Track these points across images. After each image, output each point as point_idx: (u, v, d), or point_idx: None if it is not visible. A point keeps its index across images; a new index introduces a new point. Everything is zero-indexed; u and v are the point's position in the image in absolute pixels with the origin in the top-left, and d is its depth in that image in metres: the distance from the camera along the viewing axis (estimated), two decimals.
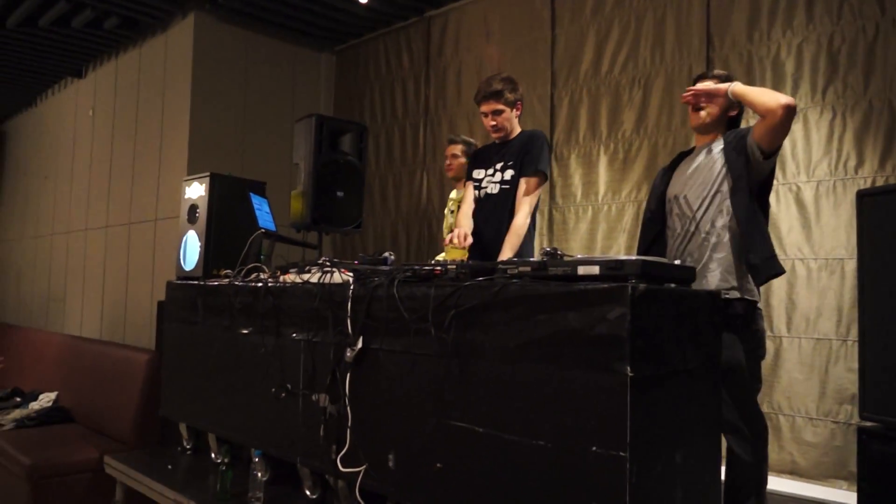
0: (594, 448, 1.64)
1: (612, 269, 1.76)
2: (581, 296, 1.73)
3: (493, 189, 3.22)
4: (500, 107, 3.15)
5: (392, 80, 5.52)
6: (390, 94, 5.51)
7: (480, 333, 1.94)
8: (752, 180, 2.48)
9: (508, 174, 3.19)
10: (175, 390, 3.54)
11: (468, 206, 3.25)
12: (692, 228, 2.58)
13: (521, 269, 1.96)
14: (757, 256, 2.42)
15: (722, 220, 2.52)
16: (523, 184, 3.12)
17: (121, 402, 4.67)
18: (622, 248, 4.15)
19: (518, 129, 3.26)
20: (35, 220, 7.48)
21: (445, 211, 4.30)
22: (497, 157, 3.26)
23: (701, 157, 2.64)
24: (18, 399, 5.62)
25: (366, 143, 3.81)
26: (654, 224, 2.76)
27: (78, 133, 6.62)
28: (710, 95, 2.58)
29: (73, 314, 6.44)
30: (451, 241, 2.82)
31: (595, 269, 1.80)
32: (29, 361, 6.30)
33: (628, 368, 1.61)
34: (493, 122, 3.18)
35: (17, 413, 5.11)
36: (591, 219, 4.34)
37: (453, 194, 4.21)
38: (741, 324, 2.42)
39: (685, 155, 2.78)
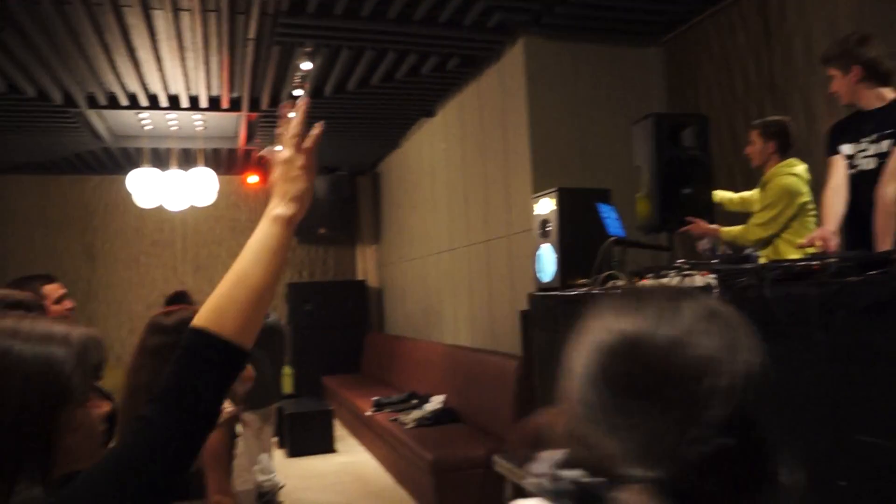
0: None
1: None
2: None
3: (869, 164, 2.82)
4: (832, 72, 2.92)
5: (728, 63, 5.17)
6: (727, 77, 5.17)
7: (880, 335, 1.72)
8: None
9: (886, 144, 2.77)
10: (548, 395, 3.77)
11: (837, 182, 2.90)
12: None
13: None
14: None
15: None
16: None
17: (498, 405, 5.14)
18: None
19: (891, 94, 2.83)
20: (410, 244, 8.64)
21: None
22: (870, 125, 2.85)
23: None
24: (415, 401, 6.53)
25: (708, 135, 3.64)
26: None
27: (434, 166, 7.48)
28: None
29: (448, 325, 7.26)
30: (812, 243, 2.54)
31: None
32: (418, 368, 7.29)
33: None
34: (832, 90, 2.95)
35: (416, 413, 5.94)
36: None
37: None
38: None
39: None
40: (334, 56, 5.61)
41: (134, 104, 6.56)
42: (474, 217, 6.44)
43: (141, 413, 0.89)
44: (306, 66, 5.49)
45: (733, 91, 5.12)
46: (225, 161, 9.24)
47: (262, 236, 1.03)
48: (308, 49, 5.28)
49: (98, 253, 9.75)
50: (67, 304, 2.67)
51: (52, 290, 2.63)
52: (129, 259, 9.85)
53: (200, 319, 0.94)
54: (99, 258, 9.74)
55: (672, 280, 2.62)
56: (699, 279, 2.48)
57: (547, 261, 3.79)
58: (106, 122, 7.18)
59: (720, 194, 3.91)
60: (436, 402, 6.16)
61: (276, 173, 1.11)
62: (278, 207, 1.07)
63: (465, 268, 6.69)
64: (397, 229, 9.32)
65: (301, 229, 10.21)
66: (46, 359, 0.94)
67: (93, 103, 6.45)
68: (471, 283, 6.57)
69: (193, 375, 0.90)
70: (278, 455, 6.65)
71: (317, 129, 1.14)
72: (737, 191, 4.04)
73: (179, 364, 0.91)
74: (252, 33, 5.10)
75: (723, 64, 5.20)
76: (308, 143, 1.12)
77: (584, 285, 3.35)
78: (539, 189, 4.68)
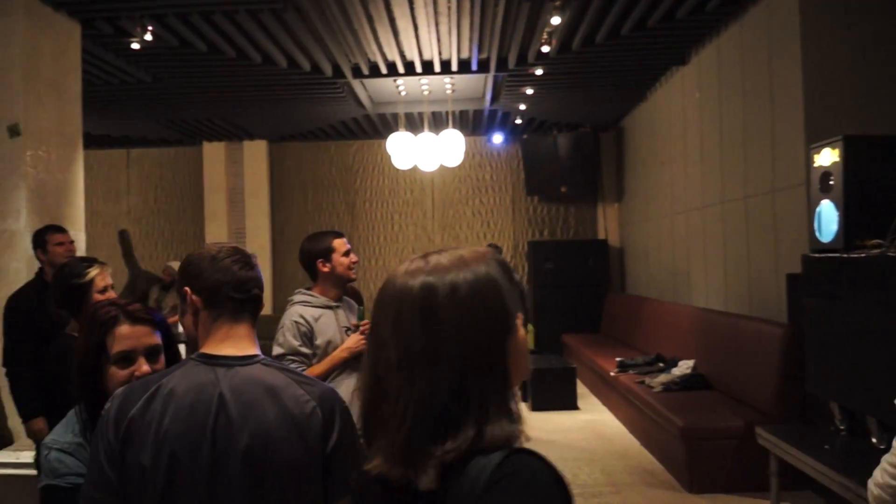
0: None
1: None
2: None
3: None
4: None
5: None
6: None
7: None
8: None
9: None
10: (823, 367, 3.42)
11: None
12: None
13: None
14: None
15: None
16: None
17: (758, 375, 4.78)
18: None
19: None
20: (655, 202, 8.28)
21: None
22: None
23: None
24: (661, 364, 6.32)
25: None
26: None
27: (686, 117, 7.03)
28: None
29: (697, 287, 6.88)
30: None
31: None
32: (664, 330, 7.02)
33: None
34: None
35: (662, 377, 5.75)
36: None
37: None
38: None
39: None
40: (584, 7, 5.46)
41: (392, 72, 7.00)
42: (731, 172, 5.97)
43: None
44: (555, 20, 5.42)
45: None
46: (470, 122, 9.55)
47: None
48: (557, 2, 5.20)
49: (359, 211, 10.69)
50: (353, 257, 2.97)
51: (341, 244, 2.94)
52: (385, 217, 10.67)
53: None
54: (359, 216, 10.69)
55: None
56: None
57: (827, 219, 3.39)
58: (367, 90, 7.77)
59: None
60: (684, 366, 5.90)
61: None
62: None
63: (720, 226, 6.25)
64: (642, 187, 8.98)
65: (542, 188, 10.33)
66: (494, 287, 0.96)
67: (357, 73, 7.00)
68: (725, 243, 6.13)
69: None
70: (522, 408, 6.85)
71: None
72: None
73: None
74: None
75: None
76: None
77: (876, 246, 2.95)
78: (813, 139, 4.19)
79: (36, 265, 3.84)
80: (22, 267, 4.49)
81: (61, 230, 3.85)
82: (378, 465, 0.93)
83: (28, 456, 4.23)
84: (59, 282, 2.70)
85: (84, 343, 1.73)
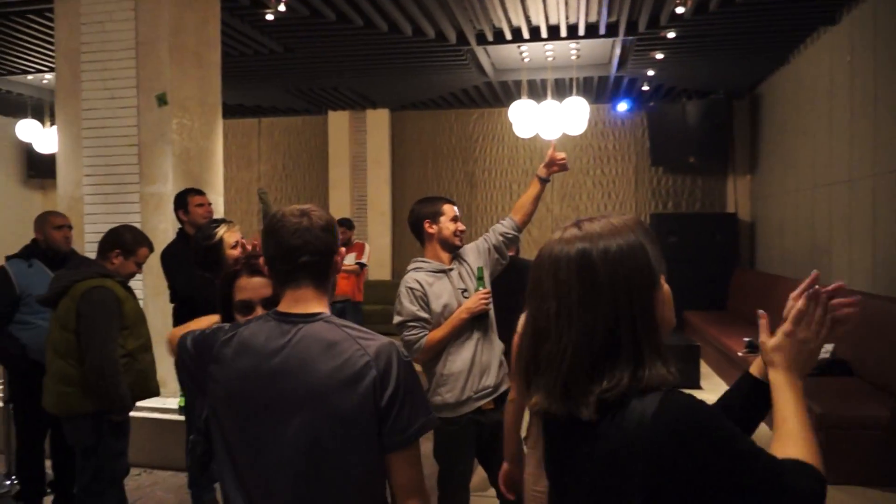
0: None
1: None
2: None
3: None
4: None
5: None
6: None
7: None
8: None
9: None
10: None
11: None
12: None
13: None
14: None
15: None
16: None
17: None
18: None
19: None
20: (794, 174, 7.73)
21: None
22: None
23: None
24: None
25: None
26: None
27: (834, 82, 6.48)
28: None
29: (839, 266, 6.40)
30: None
31: None
32: None
33: None
34: None
35: None
36: None
37: None
38: None
39: None
40: None
41: (517, 38, 6.88)
42: (885, 142, 5.46)
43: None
44: None
45: None
46: (595, 89, 9.27)
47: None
48: None
49: (477, 181, 10.70)
50: (461, 225, 2.94)
51: (450, 209, 2.93)
52: (504, 187, 10.62)
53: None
54: (478, 185, 10.70)
55: None
56: None
57: None
58: (490, 57, 7.69)
59: None
60: (822, 351, 5.51)
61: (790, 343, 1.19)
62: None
63: (869, 201, 5.75)
64: (779, 158, 8.40)
65: (668, 158, 9.88)
66: (642, 248, 1.09)
67: (481, 40, 6.93)
68: (876, 219, 5.64)
69: None
70: None
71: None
72: None
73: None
74: None
75: None
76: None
77: None
78: None
79: None
80: (169, 228, 4.81)
81: (201, 192, 4.07)
82: (538, 402, 1.09)
83: (173, 402, 4.59)
84: (195, 246, 2.89)
85: (218, 294, 1.94)
